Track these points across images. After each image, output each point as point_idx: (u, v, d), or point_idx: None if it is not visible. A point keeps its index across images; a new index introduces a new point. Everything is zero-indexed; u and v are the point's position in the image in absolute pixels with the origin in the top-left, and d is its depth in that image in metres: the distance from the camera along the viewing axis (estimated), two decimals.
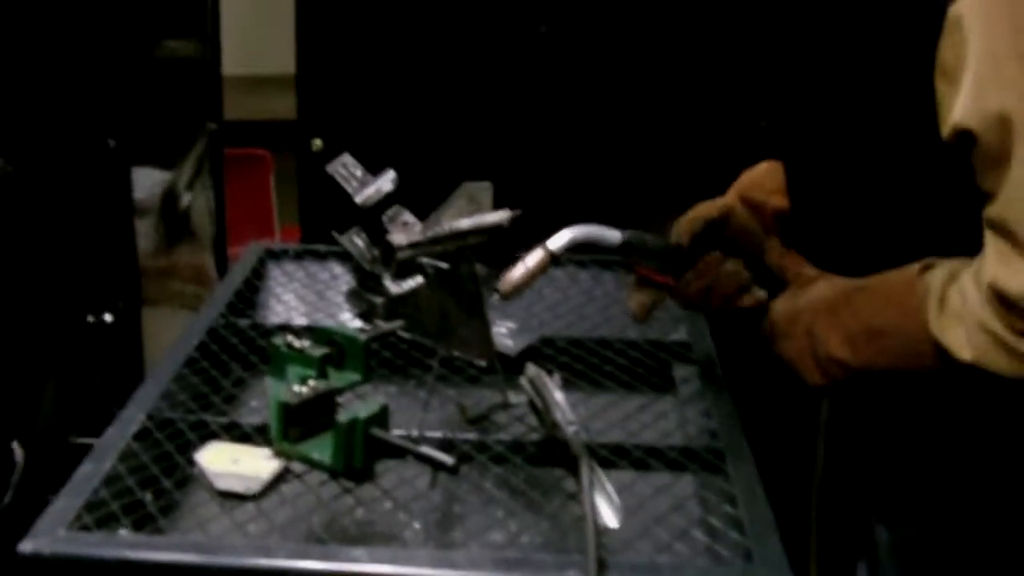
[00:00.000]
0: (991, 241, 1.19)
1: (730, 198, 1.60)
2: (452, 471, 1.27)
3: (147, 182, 2.95)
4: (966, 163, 1.20)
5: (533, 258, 1.45)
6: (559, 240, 1.46)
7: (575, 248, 1.48)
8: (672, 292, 1.56)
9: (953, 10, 1.18)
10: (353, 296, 1.95)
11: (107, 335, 2.43)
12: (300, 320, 1.84)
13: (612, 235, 1.51)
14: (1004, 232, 1.17)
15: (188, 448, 1.43)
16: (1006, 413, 1.33)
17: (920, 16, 1.21)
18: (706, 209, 1.58)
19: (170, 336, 1.90)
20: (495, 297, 1.47)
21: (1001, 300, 1.16)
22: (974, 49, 1.16)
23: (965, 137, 1.18)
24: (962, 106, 1.17)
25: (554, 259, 1.45)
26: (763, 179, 1.62)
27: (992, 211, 1.18)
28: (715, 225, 1.56)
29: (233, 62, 3.14)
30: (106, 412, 2.16)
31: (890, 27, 1.26)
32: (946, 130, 1.19)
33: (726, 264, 1.52)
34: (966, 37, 1.17)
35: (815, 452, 1.94)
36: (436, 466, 1.28)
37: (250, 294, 1.93)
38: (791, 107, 1.47)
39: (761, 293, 1.50)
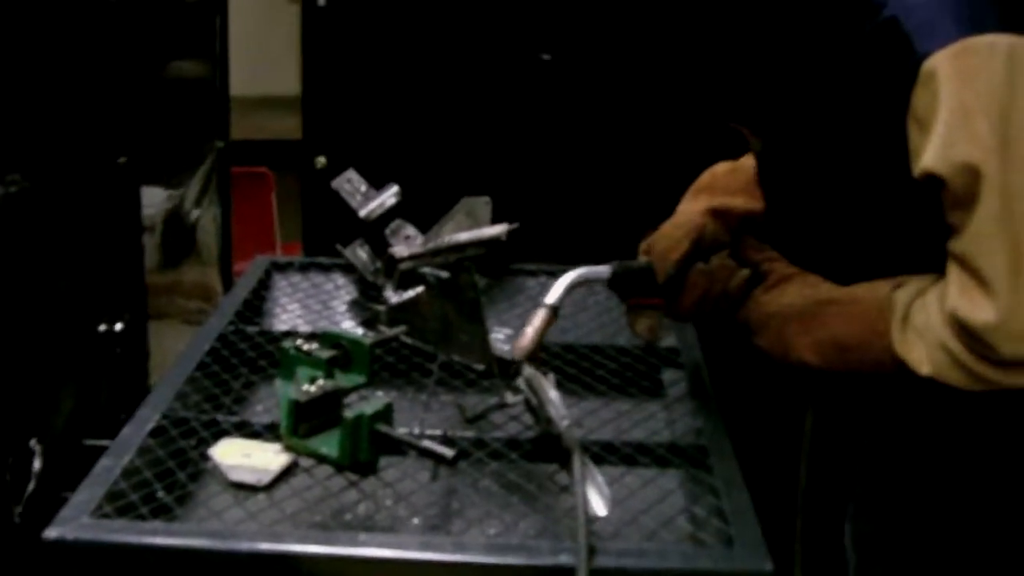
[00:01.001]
0: (954, 272, 1.27)
1: (697, 215, 1.63)
2: (451, 463, 1.34)
3: (152, 200, 2.99)
4: (933, 198, 1.28)
5: (538, 318, 1.52)
6: (555, 293, 1.53)
7: (570, 292, 1.55)
8: (667, 311, 1.61)
9: (927, 64, 1.25)
10: (356, 305, 2.00)
11: (118, 344, 2.50)
12: (305, 328, 1.89)
13: (601, 271, 1.58)
14: (966, 267, 1.25)
15: (201, 445, 1.49)
16: (964, 418, 1.42)
17: (897, 67, 1.28)
18: (676, 244, 1.60)
19: (175, 349, 1.97)
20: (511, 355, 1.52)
21: (962, 328, 1.24)
22: (945, 102, 1.24)
23: (933, 179, 1.26)
24: (932, 153, 1.25)
25: (555, 311, 1.53)
26: (726, 180, 1.68)
27: (956, 245, 1.27)
28: (690, 255, 1.60)
29: (238, 83, 3.21)
30: (115, 417, 2.22)
31: (869, 74, 1.33)
32: (916, 171, 1.28)
33: (711, 262, 1.58)
34: (939, 90, 1.24)
35: (799, 461, 2.00)
36: (436, 459, 1.35)
37: (257, 303, 2.00)
38: (774, 131, 1.54)
39: (744, 271, 1.55)
